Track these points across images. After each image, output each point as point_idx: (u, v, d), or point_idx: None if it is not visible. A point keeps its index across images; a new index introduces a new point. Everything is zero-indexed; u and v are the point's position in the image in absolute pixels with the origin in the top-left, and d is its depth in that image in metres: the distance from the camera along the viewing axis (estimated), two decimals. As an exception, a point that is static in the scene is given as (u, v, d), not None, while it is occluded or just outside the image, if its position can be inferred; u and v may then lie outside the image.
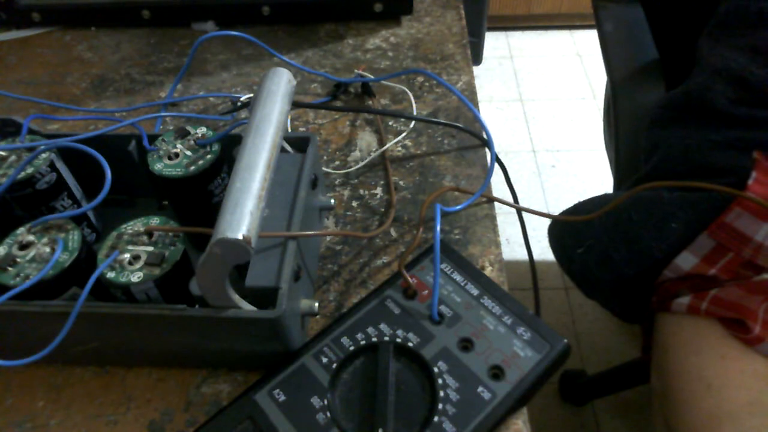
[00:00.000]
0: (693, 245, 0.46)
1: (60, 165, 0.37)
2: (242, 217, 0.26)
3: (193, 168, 0.34)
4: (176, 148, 0.35)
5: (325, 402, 0.30)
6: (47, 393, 0.34)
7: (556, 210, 1.33)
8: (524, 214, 0.43)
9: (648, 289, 0.51)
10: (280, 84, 0.33)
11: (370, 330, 0.32)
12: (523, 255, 1.23)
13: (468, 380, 0.30)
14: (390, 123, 0.50)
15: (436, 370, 0.30)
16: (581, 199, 0.56)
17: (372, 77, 0.52)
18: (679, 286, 0.47)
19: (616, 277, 0.51)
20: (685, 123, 0.50)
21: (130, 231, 0.32)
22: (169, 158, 0.35)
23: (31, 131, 0.38)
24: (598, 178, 1.42)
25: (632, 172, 0.68)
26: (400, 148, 0.48)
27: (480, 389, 0.29)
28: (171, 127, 0.50)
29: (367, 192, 0.44)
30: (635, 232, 0.48)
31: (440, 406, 0.29)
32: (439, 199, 0.43)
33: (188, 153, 0.35)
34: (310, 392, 0.30)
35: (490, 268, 0.39)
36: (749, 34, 0.47)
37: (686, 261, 0.46)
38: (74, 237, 0.32)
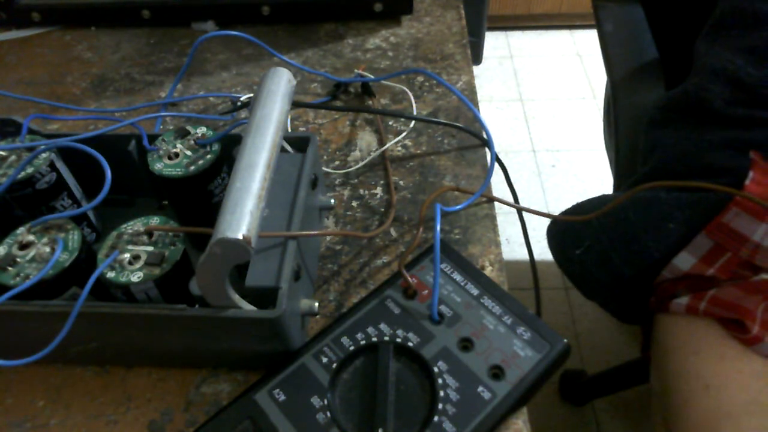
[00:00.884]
0: (691, 245, 0.46)
1: (60, 165, 0.37)
2: (242, 216, 0.26)
3: (193, 168, 0.34)
4: (176, 148, 0.35)
5: (325, 402, 0.30)
6: (47, 393, 0.34)
7: (556, 210, 1.33)
8: (524, 214, 0.43)
9: (647, 289, 0.51)
10: (280, 84, 0.33)
11: (370, 330, 0.32)
12: (523, 255, 1.24)
13: (468, 380, 0.30)
14: (390, 123, 0.50)
15: (436, 369, 0.30)
16: (581, 199, 0.56)
17: (372, 77, 0.52)
18: (677, 286, 0.47)
19: (615, 278, 0.51)
20: (682, 124, 0.50)
21: (130, 231, 0.32)
22: (169, 158, 0.35)
23: (31, 131, 0.38)
24: (598, 178, 1.42)
25: (632, 172, 0.68)
26: (400, 148, 0.48)
27: (480, 389, 0.29)
28: (171, 127, 0.50)
29: (367, 192, 0.44)
30: (633, 233, 0.48)
31: (440, 405, 0.29)
32: (439, 199, 0.43)
33: (188, 153, 0.35)
34: (310, 392, 0.30)
35: (490, 268, 0.39)
36: (745, 35, 0.47)
37: (684, 261, 0.46)
38: (74, 237, 0.32)
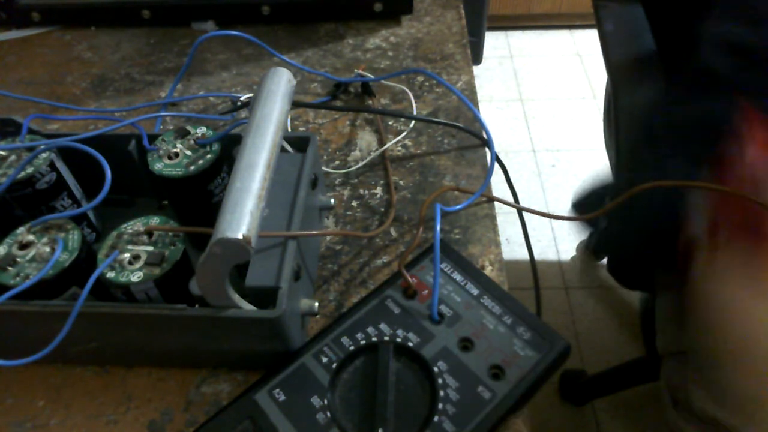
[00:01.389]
0: (701, 216, 0.47)
1: (60, 165, 0.37)
2: (242, 216, 0.26)
3: (193, 168, 0.34)
4: (176, 147, 0.35)
5: (325, 402, 0.30)
6: (47, 393, 0.34)
7: (557, 210, 1.33)
8: (524, 214, 0.43)
9: (667, 258, 0.52)
10: (280, 84, 0.33)
11: (370, 330, 0.32)
12: (523, 255, 1.23)
13: (468, 380, 0.30)
14: (390, 123, 0.50)
15: (436, 369, 0.30)
16: (581, 200, 0.57)
17: (372, 77, 0.52)
18: (694, 248, 0.48)
19: (637, 254, 0.52)
20: (694, 100, 0.51)
21: (130, 231, 0.32)
22: (169, 158, 0.35)
23: (31, 131, 0.38)
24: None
25: (632, 172, 0.68)
26: (400, 148, 0.48)
27: (480, 389, 0.29)
28: (171, 127, 0.50)
29: (367, 192, 0.44)
30: (647, 216, 0.50)
31: (440, 405, 0.29)
32: (439, 199, 0.43)
33: (188, 153, 0.35)
34: (310, 392, 0.30)
35: (490, 267, 0.39)
36: (745, 6, 0.48)
37: (698, 227, 0.47)
38: (74, 237, 0.32)
